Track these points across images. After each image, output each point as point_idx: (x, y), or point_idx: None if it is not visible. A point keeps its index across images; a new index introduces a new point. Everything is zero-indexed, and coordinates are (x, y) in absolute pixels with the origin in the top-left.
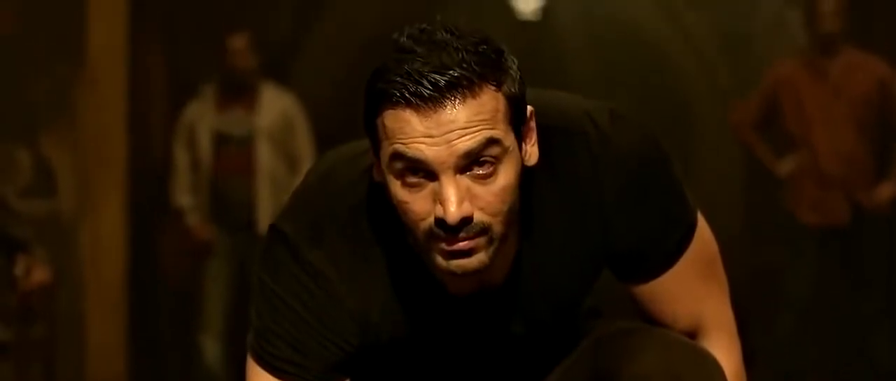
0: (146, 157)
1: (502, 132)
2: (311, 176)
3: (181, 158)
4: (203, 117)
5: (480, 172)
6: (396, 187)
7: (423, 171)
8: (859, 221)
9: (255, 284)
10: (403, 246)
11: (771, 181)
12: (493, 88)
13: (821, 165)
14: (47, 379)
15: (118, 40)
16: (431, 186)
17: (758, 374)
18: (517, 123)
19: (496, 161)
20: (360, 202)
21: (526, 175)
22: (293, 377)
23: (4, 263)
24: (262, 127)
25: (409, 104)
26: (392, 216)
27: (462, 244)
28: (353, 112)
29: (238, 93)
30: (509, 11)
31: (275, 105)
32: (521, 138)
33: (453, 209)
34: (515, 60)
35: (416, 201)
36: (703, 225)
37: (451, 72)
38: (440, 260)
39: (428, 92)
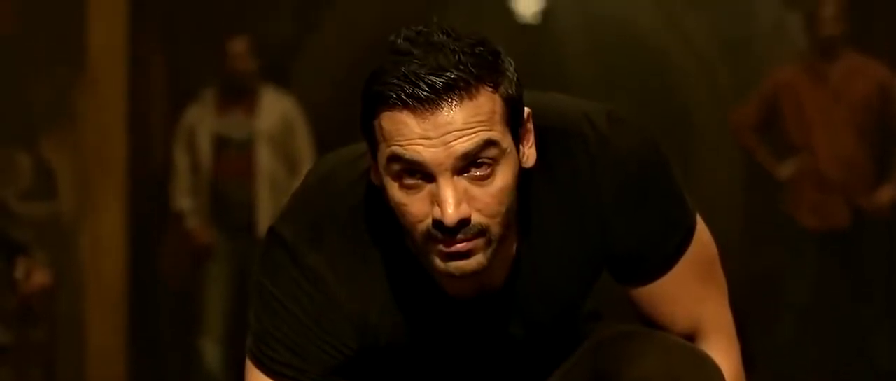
0: (146, 160)
1: (499, 134)
2: (310, 179)
3: (181, 161)
4: (203, 120)
5: (478, 173)
6: (394, 190)
7: (420, 173)
8: (859, 224)
9: (254, 287)
10: (402, 249)
11: (771, 185)
12: (490, 89)
13: (821, 169)
14: None
15: (118, 43)
16: (429, 187)
17: (758, 377)
18: (514, 125)
19: (493, 163)
20: (359, 205)
21: (524, 177)
22: (292, 380)
23: (4, 266)
24: (262, 130)
25: (406, 106)
26: (391, 219)
27: (460, 246)
28: (352, 115)
29: (238, 96)
30: (509, 14)
31: (275, 108)
32: (518, 140)
33: (451, 211)
34: (512, 62)
35: (414, 203)
36: (701, 227)
37: (447, 73)
38: (438, 262)
39: (425, 94)
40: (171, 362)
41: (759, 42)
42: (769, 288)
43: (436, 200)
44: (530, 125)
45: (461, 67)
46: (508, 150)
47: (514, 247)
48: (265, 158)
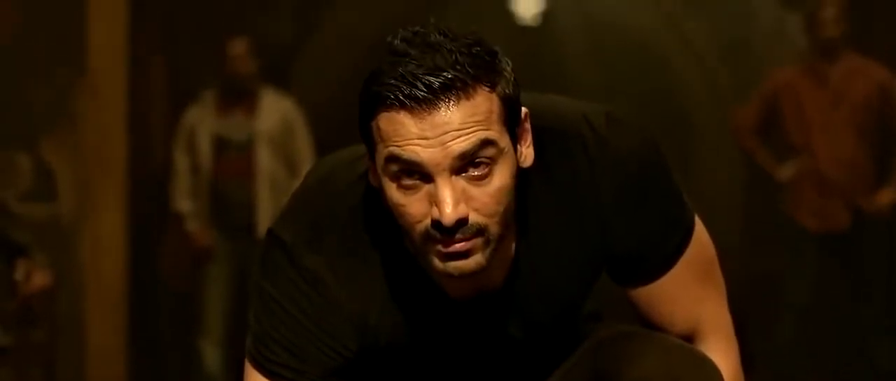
0: (146, 160)
1: (497, 133)
2: (309, 180)
3: (181, 162)
4: (203, 122)
5: (475, 173)
6: (392, 190)
7: (418, 173)
8: (859, 225)
9: (254, 288)
10: (401, 250)
11: (771, 186)
12: (487, 89)
13: (821, 170)
14: None
15: (118, 45)
16: (427, 188)
17: (758, 378)
18: (512, 125)
19: (491, 162)
20: (358, 206)
21: (522, 177)
22: None
23: (4, 267)
24: (262, 131)
25: (403, 106)
26: (389, 220)
27: (459, 246)
28: (352, 116)
29: (238, 97)
30: (509, 16)
31: (274, 109)
32: (516, 140)
33: (449, 211)
34: (509, 62)
35: (412, 204)
36: (700, 228)
37: (444, 73)
38: (437, 262)
39: (422, 94)
40: (171, 362)
41: (759, 43)
42: (769, 289)
43: (434, 200)
44: (528, 125)
45: (458, 66)
46: (506, 149)
47: (513, 247)
48: (265, 160)
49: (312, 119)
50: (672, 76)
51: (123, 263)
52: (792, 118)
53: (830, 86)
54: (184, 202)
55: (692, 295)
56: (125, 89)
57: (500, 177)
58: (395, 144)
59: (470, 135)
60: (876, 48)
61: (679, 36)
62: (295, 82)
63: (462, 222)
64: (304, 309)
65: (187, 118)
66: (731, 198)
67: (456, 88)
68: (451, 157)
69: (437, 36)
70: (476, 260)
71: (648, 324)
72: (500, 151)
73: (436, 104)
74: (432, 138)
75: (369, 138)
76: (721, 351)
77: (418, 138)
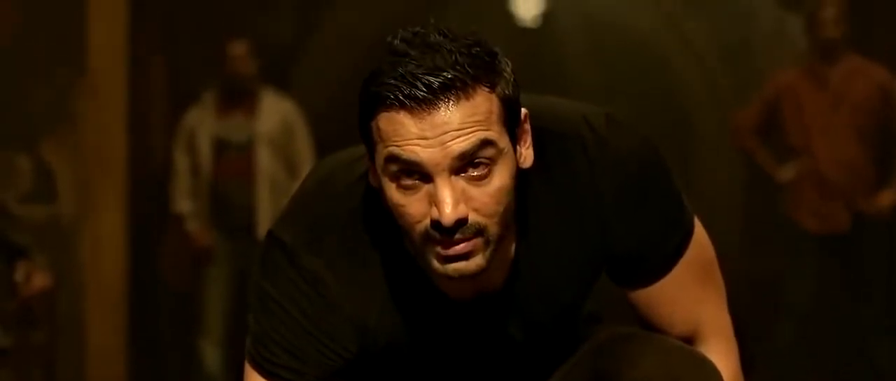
0: (146, 160)
1: (496, 134)
2: (308, 182)
3: (181, 163)
4: (203, 123)
5: (475, 173)
6: (392, 190)
7: (418, 173)
8: (859, 227)
9: (253, 289)
10: (401, 251)
11: (771, 187)
12: (487, 89)
13: (821, 172)
14: None
15: (118, 45)
16: (426, 188)
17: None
18: (511, 125)
19: (491, 162)
20: (358, 207)
21: (522, 178)
22: None
23: (5, 268)
24: (262, 132)
25: (403, 106)
26: (389, 221)
27: (459, 248)
28: (352, 117)
29: (238, 99)
30: (509, 17)
31: (275, 111)
32: (515, 140)
33: (448, 211)
34: (509, 63)
35: (412, 204)
36: (700, 230)
37: (444, 73)
38: (437, 264)
39: (422, 94)
40: (171, 362)
41: (759, 44)
42: (769, 291)
43: (433, 200)
44: (527, 126)
45: (458, 67)
46: (506, 150)
47: (513, 248)
48: (265, 161)
49: (312, 120)
50: (672, 77)
51: (123, 263)
52: (792, 120)
53: (831, 88)
54: (184, 203)
55: (692, 296)
56: (125, 89)
57: (500, 177)
58: (395, 144)
59: (469, 135)
60: (876, 49)
61: (679, 36)
62: (295, 82)
63: (461, 223)
64: (303, 310)
65: (187, 119)
66: (731, 199)
67: (456, 89)
68: (450, 157)
69: (437, 36)
70: (476, 262)
71: (648, 325)
72: (500, 152)
73: (435, 104)
74: (432, 138)
75: (369, 138)
76: (721, 352)
77: (418, 138)
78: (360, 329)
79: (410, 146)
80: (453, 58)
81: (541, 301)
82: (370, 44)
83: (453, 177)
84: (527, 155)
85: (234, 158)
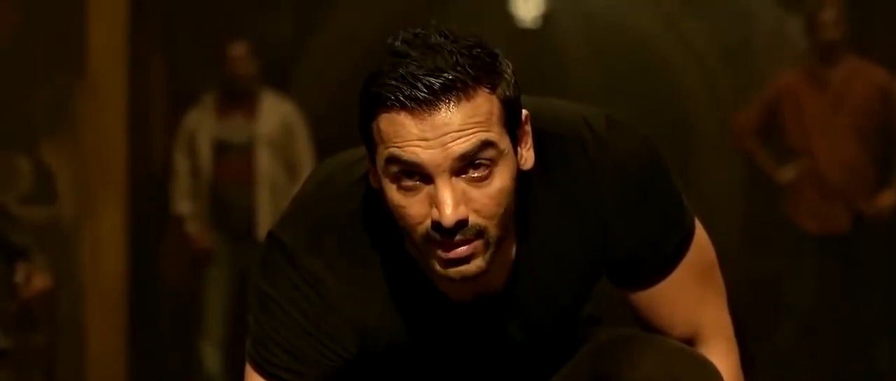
0: (146, 162)
1: (497, 135)
2: (309, 183)
3: (181, 164)
4: (203, 124)
5: (476, 174)
6: (392, 192)
7: (418, 174)
8: (860, 228)
9: (253, 291)
10: (401, 252)
11: (771, 188)
12: (488, 90)
13: (822, 173)
14: None
15: (118, 45)
16: (427, 189)
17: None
18: (512, 127)
19: (491, 164)
20: (359, 209)
21: (522, 180)
22: None
23: (5, 269)
24: (262, 134)
25: (403, 107)
26: (390, 222)
27: (460, 250)
28: (353, 119)
29: (238, 100)
30: (509, 19)
31: (275, 112)
32: (516, 142)
33: (449, 212)
34: (510, 64)
35: (412, 205)
36: (700, 231)
37: (445, 74)
38: (438, 266)
39: (422, 95)
40: (171, 364)
41: (759, 44)
42: (769, 291)
43: (434, 201)
44: (528, 127)
45: (458, 68)
46: (506, 151)
47: (513, 250)
48: (265, 162)
49: (312, 122)
50: (672, 77)
51: (123, 264)
52: (792, 121)
53: (831, 89)
54: (184, 204)
55: (692, 298)
56: (125, 90)
57: (501, 179)
58: (396, 145)
59: (470, 136)
60: (876, 50)
61: (679, 37)
62: (295, 83)
63: (462, 224)
64: (303, 311)
65: (187, 121)
66: (731, 200)
67: (456, 89)
68: (451, 158)
69: (438, 37)
70: (477, 264)
71: (648, 327)
72: (501, 153)
73: (436, 105)
74: (432, 139)
75: (369, 139)
76: (721, 353)
77: (418, 139)
78: (359, 330)
79: (411, 147)
80: (454, 59)
81: (541, 303)
82: (370, 44)
83: (454, 178)
84: (527, 157)
85: (234, 159)
